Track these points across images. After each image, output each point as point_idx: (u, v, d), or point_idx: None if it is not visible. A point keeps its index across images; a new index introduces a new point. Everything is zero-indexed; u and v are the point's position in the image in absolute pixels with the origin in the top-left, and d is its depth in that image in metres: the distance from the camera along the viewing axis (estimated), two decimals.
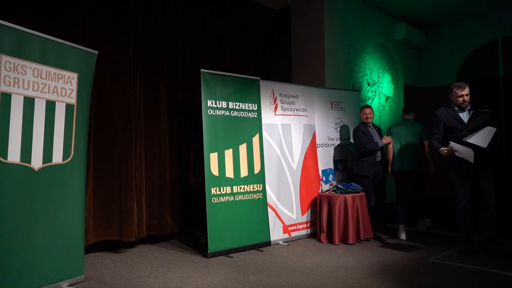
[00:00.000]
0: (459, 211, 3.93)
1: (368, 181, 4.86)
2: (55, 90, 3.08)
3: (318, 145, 5.24)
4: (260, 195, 4.49)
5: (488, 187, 3.80)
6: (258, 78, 4.71)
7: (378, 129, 5.09)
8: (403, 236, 4.71)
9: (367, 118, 4.94)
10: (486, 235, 3.91)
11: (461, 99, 3.85)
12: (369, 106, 5.07)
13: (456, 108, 3.92)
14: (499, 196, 3.95)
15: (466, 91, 3.85)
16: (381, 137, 4.99)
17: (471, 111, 3.81)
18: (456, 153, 3.69)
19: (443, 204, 7.09)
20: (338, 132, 5.53)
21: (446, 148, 3.76)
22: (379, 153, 4.92)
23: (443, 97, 7.58)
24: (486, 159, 3.81)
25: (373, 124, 5.07)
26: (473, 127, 3.69)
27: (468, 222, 3.93)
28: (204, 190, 4.12)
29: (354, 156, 5.23)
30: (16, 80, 2.81)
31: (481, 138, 3.63)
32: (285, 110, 4.93)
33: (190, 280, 3.29)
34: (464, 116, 3.85)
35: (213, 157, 4.20)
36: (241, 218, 4.29)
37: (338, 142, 5.52)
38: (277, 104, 4.86)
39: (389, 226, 5.33)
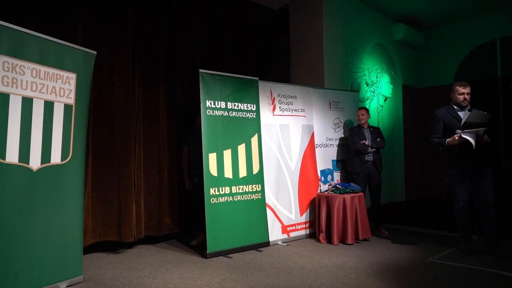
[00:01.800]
0: (458, 211, 3.94)
1: (359, 177, 5.04)
2: (54, 91, 3.08)
3: (317, 145, 5.24)
4: (258, 196, 4.49)
5: (488, 187, 3.80)
6: (257, 78, 4.71)
7: (376, 130, 5.17)
8: None
9: (360, 119, 5.16)
10: (486, 235, 3.91)
11: (462, 97, 3.87)
12: (363, 108, 5.24)
13: (456, 107, 3.93)
14: (498, 195, 3.95)
15: (468, 89, 3.88)
16: (380, 137, 5.08)
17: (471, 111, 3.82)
18: (463, 136, 3.66)
19: (442, 204, 7.10)
20: (337, 133, 5.53)
21: (454, 136, 3.73)
22: (370, 154, 5.05)
23: (442, 97, 7.61)
24: (486, 158, 3.81)
25: (369, 125, 5.21)
26: (471, 123, 3.68)
27: (467, 222, 3.94)
28: (199, 191, 4.13)
29: (350, 155, 5.35)
30: (14, 80, 2.80)
31: (474, 136, 3.63)
32: (283, 111, 4.93)
33: (189, 280, 3.28)
34: (464, 116, 3.85)
35: (212, 158, 4.20)
36: (240, 219, 4.29)
37: (337, 142, 5.53)
38: (275, 104, 4.86)
39: (386, 226, 5.33)
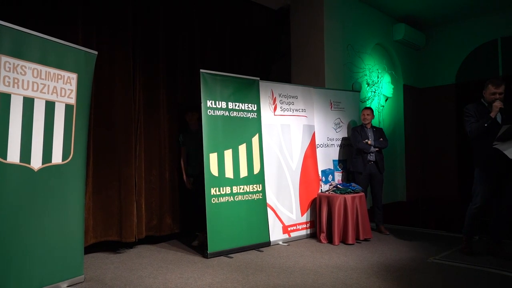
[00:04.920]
0: (472, 210, 3.86)
1: (361, 177, 5.04)
2: (55, 91, 3.08)
3: (318, 146, 5.24)
4: (259, 196, 4.49)
5: (511, 190, 3.69)
6: (258, 78, 4.71)
7: (379, 130, 5.18)
8: None
9: (364, 119, 5.15)
10: (490, 235, 3.90)
11: (493, 97, 3.68)
12: (368, 108, 5.24)
13: (487, 105, 3.75)
14: None
15: (501, 89, 3.66)
16: (383, 137, 5.08)
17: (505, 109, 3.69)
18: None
19: (443, 204, 7.10)
20: (338, 133, 5.53)
21: (494, 105, 3.58)
22: (372, 153, 5.03)
23: (443, 97, 7.61)
24: None
25: (373, 125, 5.18)
26: (506, 135, 3.55)
27: (475, 223, 3.90)
28: (196, 191, 4.19)
29: (352, 154, 5.34)
30: (16, 81, 2.81)
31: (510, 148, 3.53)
32: (284, 111, 4.93)
33: (190, 280, 3.28)
34: (498, 114, 3.68)
35: (213, 158, 4.20)
36: (240, 219, 4.29)
37: (338, 142, 5.52)
38: (276, 104, 4.86)
39: (387, 226, 5.33)
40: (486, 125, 3.63)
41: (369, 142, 5.00)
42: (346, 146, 5.57)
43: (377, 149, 5.03)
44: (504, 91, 3.69)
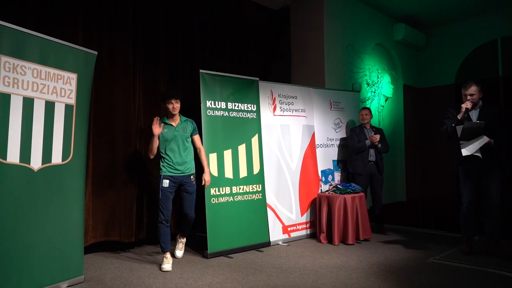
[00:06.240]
0: (462, 210, 3.92)
1: (361, 178, 5.02)
2: (55, 91, 3.08)
3: (317, 146, 5.24)
4: (259, 196, 4.49)
5: (493, 189, 3.74)
6: (257, 78, 4.71)
7: (378, 131, 5.14)
8: None
9: (363, 119, 5.14)
10: (487, 236, 3.91)
11: (465, 98, 3.80)
12: (367, 108, 5.24)
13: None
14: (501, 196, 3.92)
15: (470, 90, 3.76)
16: (383, 139, 5.06)
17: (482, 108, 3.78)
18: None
19: (443, 204, 7.10)
20: (337, 133, 5.53)
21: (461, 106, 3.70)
22: (372, 153, 5.00)
23: (442, 97, 7.61)
24: (495, 159, 3.75)
25: (372, 126, 5.18)
26: (470, 135, 3.68)
27: (470, 223, 3.92)
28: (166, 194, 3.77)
29: (351, 155, 5.32)
30: (16, 81, 2.81)
31: (473, 147, 3.66)
32: (284, 111, 4.93)
33: (190, 280, 3.28)
34: (473, 115, 3.81)
35: (212, 158, 4.20)
36: (240, 219, 4.29)
37: (337, 142, 5.52)
38: (276, 104, 4.86)
39: (387, 226, 5.33)
40: (453, 125, 3.78)
41: (377, 137, 4.93)
42: (346, 146, 5.57)
43: (376, 145, 4.96)
44: (476, 92, 3.75)
